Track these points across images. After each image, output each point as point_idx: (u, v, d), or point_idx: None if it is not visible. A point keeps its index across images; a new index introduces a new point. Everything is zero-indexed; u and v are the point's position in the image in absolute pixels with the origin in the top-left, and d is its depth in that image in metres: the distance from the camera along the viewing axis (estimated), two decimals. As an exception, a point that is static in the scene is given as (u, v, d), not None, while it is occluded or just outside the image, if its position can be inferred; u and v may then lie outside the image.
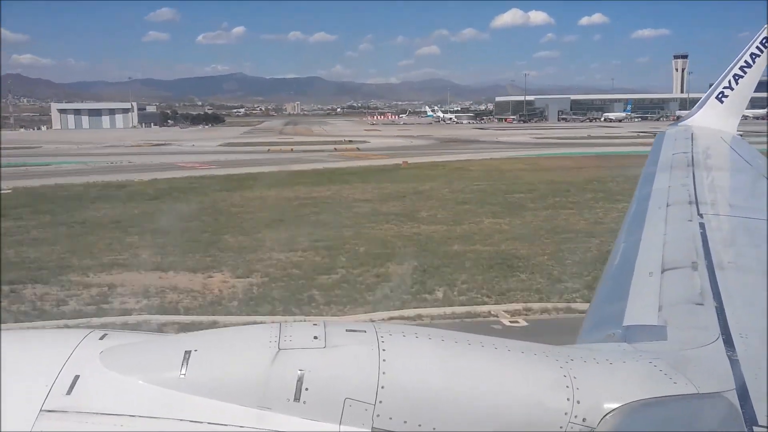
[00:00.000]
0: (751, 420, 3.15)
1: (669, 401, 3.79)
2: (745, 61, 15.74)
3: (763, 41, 15.53)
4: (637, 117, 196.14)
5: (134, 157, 77.98)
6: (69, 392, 3.44)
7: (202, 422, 3.40)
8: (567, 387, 3.76)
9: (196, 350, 3.65)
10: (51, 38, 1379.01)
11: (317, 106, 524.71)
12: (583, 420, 3.63)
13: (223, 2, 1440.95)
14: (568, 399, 3.69)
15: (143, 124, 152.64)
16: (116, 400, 3.43)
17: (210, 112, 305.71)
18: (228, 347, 3.79)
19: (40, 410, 3.33)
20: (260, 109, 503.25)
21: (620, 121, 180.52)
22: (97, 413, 3.37)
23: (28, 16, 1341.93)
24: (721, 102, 16.13)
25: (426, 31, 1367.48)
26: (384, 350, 3.69)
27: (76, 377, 3.53)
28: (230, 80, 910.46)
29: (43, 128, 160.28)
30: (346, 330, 3.86)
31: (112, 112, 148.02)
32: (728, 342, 4.61)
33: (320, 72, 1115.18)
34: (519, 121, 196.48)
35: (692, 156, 12.72)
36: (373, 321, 4.49)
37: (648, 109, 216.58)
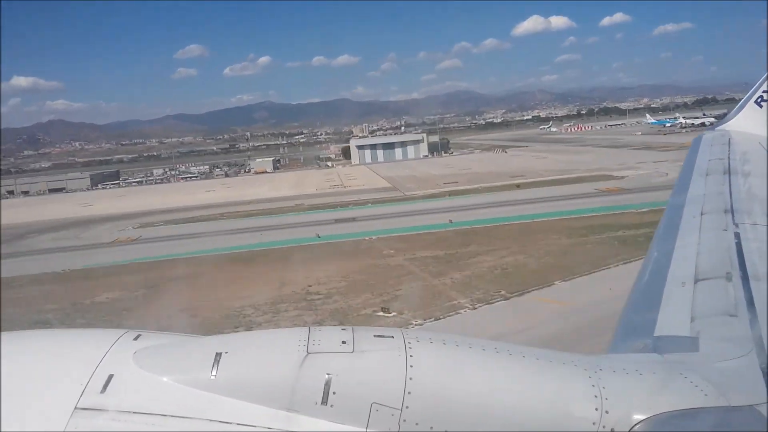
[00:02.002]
0: None
1: (699, 413, 3.80)
2: None
3: None
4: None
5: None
6: (103, 391, 3.57)
7: (231, 423, 3.51)
8: (596, 397, 3.83)
9: (226, 352, 3.83)
10: (83, 83, 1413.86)
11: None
12: (612, 430, 3.68)
13: (249, 34, 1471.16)
14: (596, 409, 3.76)
15: (433, 154, 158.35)
16: (148, 400, 3.56)
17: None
18: (258, 350, 3.99)
19: (75, 408, 3.44)
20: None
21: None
22: (129, 412, 3.48)
23: (61, 63, 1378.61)
24: (761, 106, 15.59)
25: (448, 45, 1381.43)
26: (411, 356, 3.82)
27: (110, 376, 3.69)
28: (260, 109, 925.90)
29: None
30: (374, 335, 4.00)
31: (403, 144, 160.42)
32: (762, 354, 4.61)
33: (343, 93, 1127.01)
34: None
35: (729, 162, 12.36)
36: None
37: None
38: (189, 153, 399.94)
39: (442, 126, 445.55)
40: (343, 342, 3.86)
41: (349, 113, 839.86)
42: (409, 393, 3.62)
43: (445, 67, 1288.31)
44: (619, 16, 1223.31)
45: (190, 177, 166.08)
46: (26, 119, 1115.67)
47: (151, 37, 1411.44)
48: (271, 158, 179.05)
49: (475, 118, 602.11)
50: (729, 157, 12.95)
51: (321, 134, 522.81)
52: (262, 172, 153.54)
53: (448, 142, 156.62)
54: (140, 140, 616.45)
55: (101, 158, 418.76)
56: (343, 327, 4.09)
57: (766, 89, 15.62)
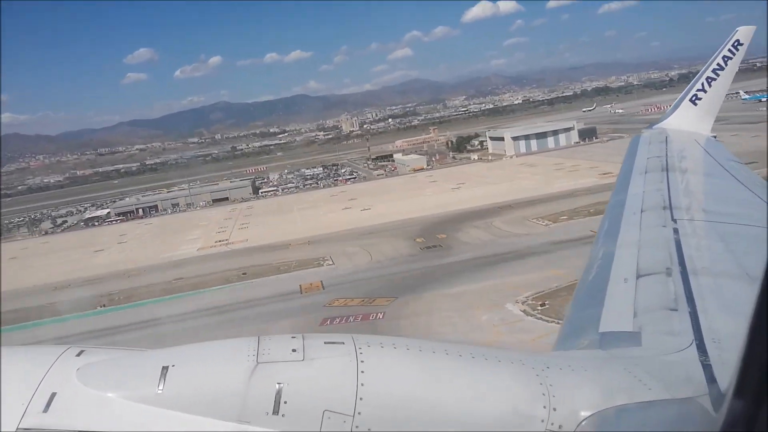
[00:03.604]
0: (724, 424, 2.81)
1: (644, 407, 3.90)
2: (718, 64, 15.91)
3: (735, 43, 15.74)
4: None
5: None
6: (46, 410, 3.44)
7: None
8: (543, 395, 3.91)
9: (173, 365, 3.73)
10: (28, 94, 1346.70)
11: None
12: (560, 427, 3.76)
13: (199, 34, 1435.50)
14: (544, 406, 3.85)
15: (585, 140, 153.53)
16: (94, 418, 3.44)
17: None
18: (206, 362, 3.86)
19: (17, 429, 3.33)
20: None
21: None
22: (74, 431, 3.37)
23: (4, 74, 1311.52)
24: (695, 104, 16.31)
25: (399, 35, 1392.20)
26: (362, 362, 3.82)
27: (53, 394, 3.55)
28: (215, 110, 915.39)
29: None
30: (325, 342, 3.96)
31: (555, 133, 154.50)
32: (701, 347, 4.76)
33: (296, 89, 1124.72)
34: None
35: (666, 160, 12.87)
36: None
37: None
38: (238, 154, 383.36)
39: (446, 114, 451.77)
40: (294, 350, 3.86)
41: (309, 109, 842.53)
42: (361, 399, 3.68)
43: (396, 57, 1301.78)
44: None
45: (350, 178, 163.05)
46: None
47: (99, 42, 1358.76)
48: (412, 155, 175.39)
49: (444, 105, 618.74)
50: (667, 155, 13.20)
51: (312, 132, 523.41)
52: (420, 170, 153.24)
53: (596, 129, 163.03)
54: (120, 148, 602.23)
55: (113, 168, 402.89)
56: (293, 335, 4.08)
57: (700, 88, 16.24)
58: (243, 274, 72.68)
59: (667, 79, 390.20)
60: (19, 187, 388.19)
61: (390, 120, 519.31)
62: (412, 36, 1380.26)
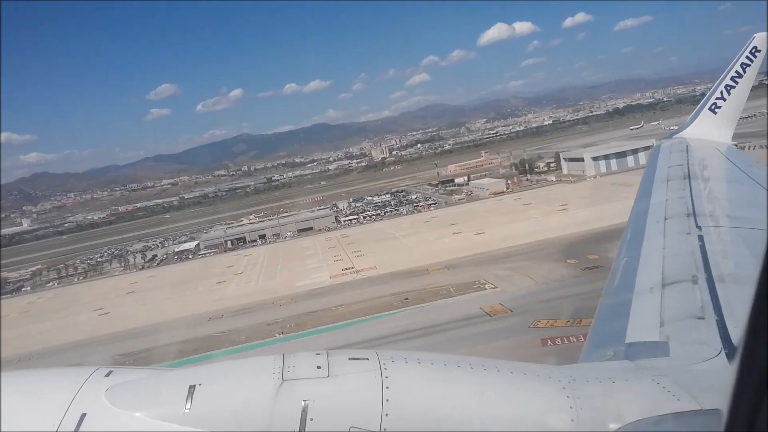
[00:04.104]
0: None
1: (672, 419, 3.85)
2: (736, 71, 15.78)
3: (753, 50, 15.51)
4: None
5: None
6: (76, 430, 3.57)
7: None
8: (570, 408, 3.92)
9: (200, 384, 3.83)
10: (56, 133, 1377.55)
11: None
12: None
13: (220, 68, 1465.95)
14: (572, 420, 3.86)
15: None
16: None
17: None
18: (232, 380, 3.96)
19: None
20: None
21: None
22: None
23: (34, 115, 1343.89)
24: (715, 113, 16.18)
25: (416, 60, 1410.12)
26: (387, 377, 3.87)
27: (83, 415, 3.67)
28: (237, 142, 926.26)
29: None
30: (349, 358, 4.04)
31: (635, 151, 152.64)
32: (731, 355, 4.74)
33: (315, 118, 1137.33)
34: None
35: (688, 168, 12.78)
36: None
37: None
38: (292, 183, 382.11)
39: (474, 138, 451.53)
40: (318, 367, 3.92)
41: (330, 137, 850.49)
42: (386, 415, 3.71)
43: (414, 83, 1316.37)
44: (581, 17, 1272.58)
45: (431, 204, 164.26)
46: (4, 176, 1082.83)
47: (123, 80, 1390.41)
48: (486, 179, 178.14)
49: (468, 129, 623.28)
50: (688, 163, 13.09)
51: (339, 160, 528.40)
52: (500, 193, 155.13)
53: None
54: (149, 183, 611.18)
55: (144, 204, 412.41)
56: (318, 352, 4.16)
57: (719, 96, 15.99)
58: (405, 299, 74.85)
59: (696, 93, 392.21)
60: (66, 225, 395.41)
61: (419, 145, 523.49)
62: (429, 61, 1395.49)
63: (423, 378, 4.02)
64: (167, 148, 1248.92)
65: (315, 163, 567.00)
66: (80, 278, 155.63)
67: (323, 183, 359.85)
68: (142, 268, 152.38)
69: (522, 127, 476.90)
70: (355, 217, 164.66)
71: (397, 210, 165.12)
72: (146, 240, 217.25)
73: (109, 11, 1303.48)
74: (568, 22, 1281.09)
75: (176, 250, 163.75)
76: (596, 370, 4.83)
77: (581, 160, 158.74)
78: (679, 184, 11.62)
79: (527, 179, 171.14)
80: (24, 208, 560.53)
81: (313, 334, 69.25)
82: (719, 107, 16.14)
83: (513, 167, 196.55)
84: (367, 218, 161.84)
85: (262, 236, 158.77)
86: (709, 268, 7.09)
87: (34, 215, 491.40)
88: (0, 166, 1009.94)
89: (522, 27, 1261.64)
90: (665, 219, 9.56)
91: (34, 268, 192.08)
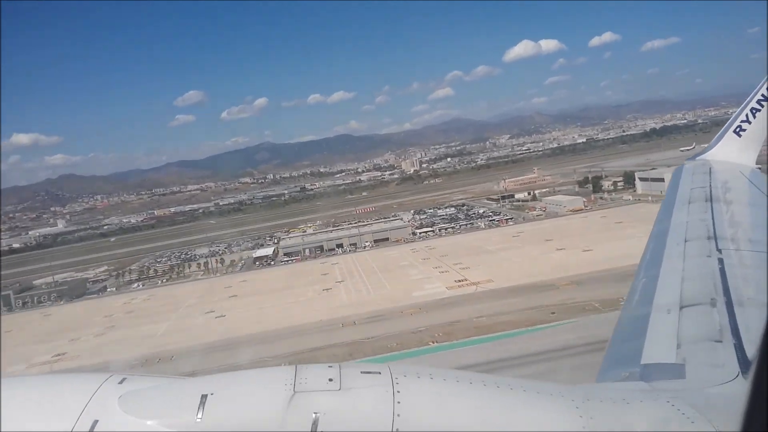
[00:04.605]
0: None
1: None
2: (762, 95, 15.64)
3: None
4: None
5: None
6: None
7: None
8: (583, 428, 3.85)
9: (212, 393, 3.83)
10: (82, 136, 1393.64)
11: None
12: None
13: (247, 77, 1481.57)
14: None
15: None
16: None
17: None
18: (244, 390, 3.96)
19: None
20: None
21: None
22: None
23: (61, 117, 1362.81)
24: (739, 136, 16.09)
25: (441, 74, 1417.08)
26: (398, 392, 3.84)
27: (95, 422, 3.68)
28: (260, 150, 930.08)
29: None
30: (361, 372, 4.02)
31: None
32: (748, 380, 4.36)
33: (337, 129, 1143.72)
34: None
35: (710, 190, 12.60)
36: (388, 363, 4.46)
37: None
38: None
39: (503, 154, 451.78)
40: (330, 379, 3.91)
41: (353, 148, 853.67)
42: (397, 430, 3.68)
43: (437, 97, 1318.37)
44: (608, 36, 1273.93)
45: (508, 218, 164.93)
46: (28, 176, 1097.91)
47: (151, 86, 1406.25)
48: (561, 195, 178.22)
49: (495, 144, 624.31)
50: (710, 186, 13.01)
51: (368, 172, 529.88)
52: (579, 210, 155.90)
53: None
54: (176, 189, 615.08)
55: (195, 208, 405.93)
56: (330, 364, 4.13)
57: (744, 119, 16.02)
58: (552, 313, 76.31)
59: (729, 115, 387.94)
60: (105, 227, 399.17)
61: (448, 159, 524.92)
62: (454, 75, 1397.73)
63: (435, 394, 4.03)
64: (190, 154, 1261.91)
65: (342, 174, 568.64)
66: (164, 280, 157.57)
67: (364, 194, 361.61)
68: (226, 272, 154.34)
69: (554, 144, 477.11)
70: (430, 229, 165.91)
71: (472, 224, 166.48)
72: (202, 245, 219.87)
73: (143, 17, 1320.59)
74: (595, 41, 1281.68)
75: (254, 255, 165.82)
76: (610, 390, 4.84)
77: (661, 180, 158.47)
78: (700, 206, 11.63)
79: (601, 198, 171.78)
80: (53, 208, 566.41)
81: (473, 344, 70.08)
82: (744, 130, 16.14)
83: (578, 185, 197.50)
84: (443, 231, 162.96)
85: (339, 245, 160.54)
86: (729, 291, 7.07)
87: (67, 216, 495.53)
88: (1, 168, 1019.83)
89: (548, 45, 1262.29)
90: (685, 241, 9.61)
91: (100, 269, 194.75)
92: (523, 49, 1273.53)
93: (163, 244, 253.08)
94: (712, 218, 10.51)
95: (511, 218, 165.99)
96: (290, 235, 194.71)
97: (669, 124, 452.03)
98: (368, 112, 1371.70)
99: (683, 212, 11.44)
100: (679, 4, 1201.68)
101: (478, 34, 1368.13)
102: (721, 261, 8.10)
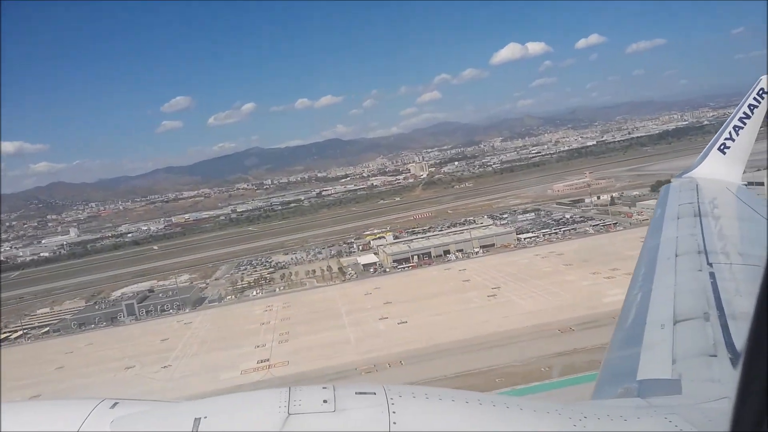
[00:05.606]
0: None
1: None
2: (744, 113, 16.07)
3: (760, 92, 15.72)
4: None
5: None
6: None
7: None
8: None
9: (205, 417, 3.84)
10: (67, 143, 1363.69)
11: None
12: None
13: (234, 82, 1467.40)
14: None
15: None
16: None
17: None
18: (237, 414, 3.95)
19: None
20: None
21: None
22: None
23: (46, 124, 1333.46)
24: (724, 153, 16.47)
25: (428, 78, 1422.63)
26: (394, 413, 3.84)
27: None
28: (249, 156, 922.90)
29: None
30: (356, 393, 4.03)
31: None
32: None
33: (325, 133, 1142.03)
34: None
35: (699, 206, 12.86)
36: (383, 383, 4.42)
37: None
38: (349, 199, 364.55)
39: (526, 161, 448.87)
40: (325, 401, 3.93)
41: (344, 153, 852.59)
42: None
43: (425, 100, 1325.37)
44: (594, 38, 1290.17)
45: (614, 223, 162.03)
46: (12, 185, 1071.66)
47: (138, 93, 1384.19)
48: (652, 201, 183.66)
49: (492, 148, 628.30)
50: (698, 202, 13.43)
51: (383, 176, 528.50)
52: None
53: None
54: (171, 196, 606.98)
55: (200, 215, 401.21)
56: (324, 385, 4.13)
57: (727, 137, 16.42)
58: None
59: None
60: (130, 235, 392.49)
61: (456, 163, 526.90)
62: (441, 79, 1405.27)
63: (431, 413, 4.05)
64: (177, 160, 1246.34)
65: (347, 179, 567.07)
66: (281, 288, 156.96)
67: (397, 199, 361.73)
68: (345, 280, 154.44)
69: (567, 147, 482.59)
70: (534, 235, 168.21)
71: (575, 229, 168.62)
72: (276, 252, 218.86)
73: (129, 23, 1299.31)
74: (582, 42, 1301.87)
75: (361, 262, 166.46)
76: (607, 407, 4.86)
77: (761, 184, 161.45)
78: (689, 222, 11.75)
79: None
80: (49, 216, 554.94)
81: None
82: (728, 147, 16.50)
83: (650, 189, 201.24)
84: (547, 238, 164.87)
85: (447, 251, 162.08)
86: (721, 305, 7.14)
87: (74, 225, 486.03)
88: (0, 176, 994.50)
89: (535, 47, 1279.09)
90: (676, 256, 9.69)
91: (181, 278, 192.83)
92: (510, 51, 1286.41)
93: (226, 251, 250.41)
94: (702, 233, 10.67)
95: (616, 223, 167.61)
96: (374, 242, 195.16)
97: (681, 125, 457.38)
98: (356, 116, 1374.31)
99: (673, 228, 11.59)
100: (664, 5, 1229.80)
101: (466, 37, 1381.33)
102: (712, 275, 8.22)
